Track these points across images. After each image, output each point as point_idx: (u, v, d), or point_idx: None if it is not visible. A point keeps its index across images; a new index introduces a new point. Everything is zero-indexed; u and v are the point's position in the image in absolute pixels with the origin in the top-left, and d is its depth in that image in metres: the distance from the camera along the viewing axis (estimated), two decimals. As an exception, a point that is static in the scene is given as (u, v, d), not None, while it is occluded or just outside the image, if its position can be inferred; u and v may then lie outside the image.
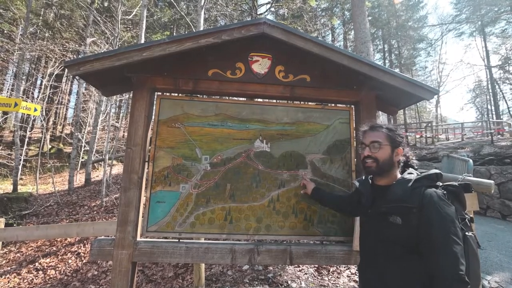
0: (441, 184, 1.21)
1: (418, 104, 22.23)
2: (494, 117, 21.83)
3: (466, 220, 1.16)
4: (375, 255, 1.26)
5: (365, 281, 1.35)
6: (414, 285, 1.11)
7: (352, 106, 2.17)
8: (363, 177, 1.44)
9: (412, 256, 1.13)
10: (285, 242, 1.94)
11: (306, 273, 3.55)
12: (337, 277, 3.47)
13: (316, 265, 3.65)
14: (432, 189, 1.14)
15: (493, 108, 23.35)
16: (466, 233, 1.12)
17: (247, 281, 3.39)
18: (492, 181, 2.01)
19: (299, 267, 3.69)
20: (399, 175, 1.28)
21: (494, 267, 3.87)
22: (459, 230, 1.06)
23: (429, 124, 17.77)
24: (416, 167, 1.34)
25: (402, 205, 1.14)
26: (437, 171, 1.20)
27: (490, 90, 23.76)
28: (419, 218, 1.09)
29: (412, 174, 1.24)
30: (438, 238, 1.04)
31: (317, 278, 3.46)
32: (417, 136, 16.56)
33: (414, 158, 1.37)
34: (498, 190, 7.03)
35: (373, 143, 1.28)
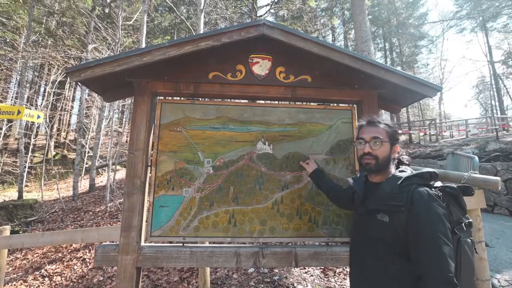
0: (439, 185, 1.15)
1: (421, 101, 22.10)
2: (499, 113, 21.60)
3: (463, 224, 1.11)
4: (363, 253, 1.24)
5: (352, 279, 1.34)
6: (396, 287, 1.08)
7: (354, 105, 2.15)
8: (358, 174, 1.41)
9: (398, 257, 1.10)
10: (290, 244, 1.92)
11: (312, 275, 3.52)
12: (344, 278, 3.43)
13: (322, 267, 3.61)
14: (424, 188, 1.09)
15: (497, 103, 23.18)
16: (462, 238, 1.07)
17: (253, 284, 3.36)
18: (498, 178, 1.97)
19: (305, 269, 3.65)
20: (393, 171, 1.25)
21: (504, 265, 3.81)
22: (448, 231, 1.01)
23: (433, 122, 17.63)
24: (407, 163, 1.32)
25: (389, 203, 1.11)
26: (431, 169, 1.16)
27: (494, 86, 23.55)
28: (407, 217, 1.05)
29: (404, 172, 1.21)
30: (426, 238, 1.00)
31: (323, 279, 3.43)
32: (421, 134, 16.47)
33: (404, 154, 1.36)
34: (505, 186, 6.93)
35: (374, 139, 1.24)
